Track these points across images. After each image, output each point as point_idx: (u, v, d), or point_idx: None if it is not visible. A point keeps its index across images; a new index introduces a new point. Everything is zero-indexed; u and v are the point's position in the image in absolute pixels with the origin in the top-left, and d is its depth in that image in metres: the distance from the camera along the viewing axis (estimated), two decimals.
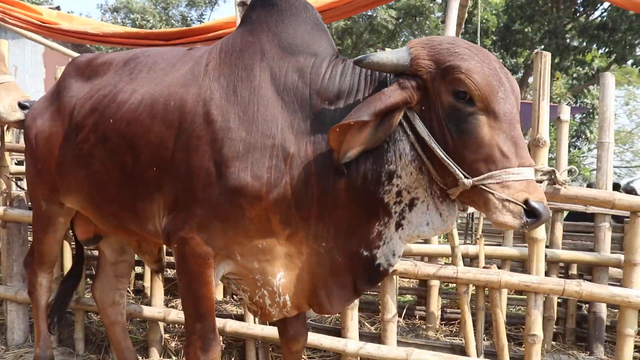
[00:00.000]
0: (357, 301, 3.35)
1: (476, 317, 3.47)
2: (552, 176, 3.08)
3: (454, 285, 5.06)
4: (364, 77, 1.97)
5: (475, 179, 1.75)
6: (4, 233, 3.85)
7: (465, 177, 1.76)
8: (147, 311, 3.60)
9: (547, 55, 3.15)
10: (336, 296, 2.14)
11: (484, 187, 1.74)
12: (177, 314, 3.56)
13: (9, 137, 4.22)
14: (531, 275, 3.10)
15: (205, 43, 4.59)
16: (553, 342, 3.80)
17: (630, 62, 16.62)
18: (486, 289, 3.28)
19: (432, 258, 3.87)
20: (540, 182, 3.08)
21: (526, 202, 1.71)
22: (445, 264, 3.74)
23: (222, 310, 4.10)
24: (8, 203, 3.88)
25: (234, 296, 4.61)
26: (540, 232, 3.13)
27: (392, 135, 1.88)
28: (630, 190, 6.51)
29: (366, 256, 2.03)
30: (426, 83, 1.81)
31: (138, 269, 4.84)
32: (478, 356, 3.31)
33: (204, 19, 24.35)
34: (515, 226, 1.73)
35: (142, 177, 2.20)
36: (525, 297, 4.51)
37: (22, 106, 3.13)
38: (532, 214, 1.71)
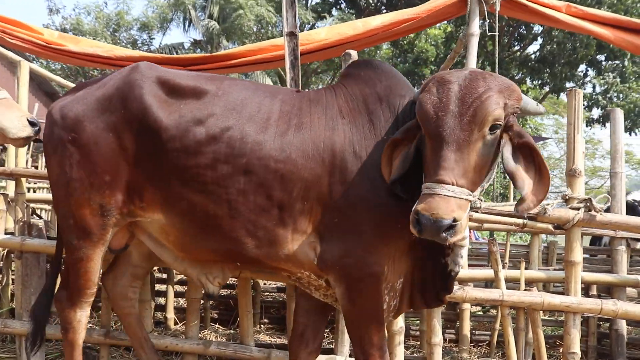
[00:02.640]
0: (404, 326, 3.44)
1: (517, 338, 3.64)
2: (588, 204, 3.32)
3: (479, 307, 5.29)
4: None
5: None
6: (19, 264, 3.65)
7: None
8: (186, 343, 3.52)
9: (580, 93, 3.40)
10: (429, 299, 2.59)
11: None
12: (217, 346, 3.50)
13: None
14: (571, 297, 3.29)
15: (225, 70, 4.60)
16: None
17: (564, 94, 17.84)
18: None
19: (461, 282, 3.99)
20: (577, 209, 3.32)
21: (416, 212, 1.99)
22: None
23: (261, 340, 4.05)
24: (26, 232, 3.70)
25: (261, 325, 4.58)
26: (578, 255, 3.34)
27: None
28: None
29: (444, 263, 2.46)
30: None
31: (160, 300, 4.69)
32: None
33: (152, 41, 24.12)
34: (417, 234, 2.02)
35: (290, 208, 2.41)
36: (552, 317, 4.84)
37: (31, 123, 3.10)
38: (419, 222, 1.99)
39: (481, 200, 2.21)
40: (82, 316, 2.82)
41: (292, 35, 3.52)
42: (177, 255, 2.79)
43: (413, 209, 2.00)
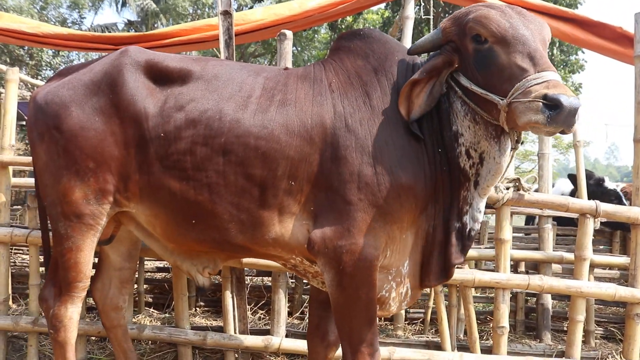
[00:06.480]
0: None
1: (450, 315, 3.74)
2: (517, 183, 3.44)
3: None
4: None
5: (507, 97, 1.97)
6: None
7: (500, 99, 2.00)
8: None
9: None
10: (435, 273, 2.39)
11: (514, 100, 1.94)
12: (152, 330, 3.44)
13: None
14: (500, 273, 3.41)
15: (158, 50, 4.46)
16: None
17: None
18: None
19: None
20: (507, 189, 3.43)
21: (545, 96, 1.85)
22: None
23: (197, 323, 4.00)
24: None
25: (197, 308, 4.51)
26: (507, 234, 3.46)
27: (448, 100, 2.26)
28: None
29: (458, 227, 2.32)
30: (457, 44, 2.20)
31: None
32: (452, 350, 3.57)
33: (83, 20, 23.05)
34: (539, 121, 1.87)
35: (274, 188, 2.27)
36: (483, 294, 5.00)
37: None
38: (552, 106, 1.84)
39: None
40: (74, 313, 2.60)
41: (227, 13, 3.45)
42: (166, 246, 2.65)
43: (533, 97, 1.87)
